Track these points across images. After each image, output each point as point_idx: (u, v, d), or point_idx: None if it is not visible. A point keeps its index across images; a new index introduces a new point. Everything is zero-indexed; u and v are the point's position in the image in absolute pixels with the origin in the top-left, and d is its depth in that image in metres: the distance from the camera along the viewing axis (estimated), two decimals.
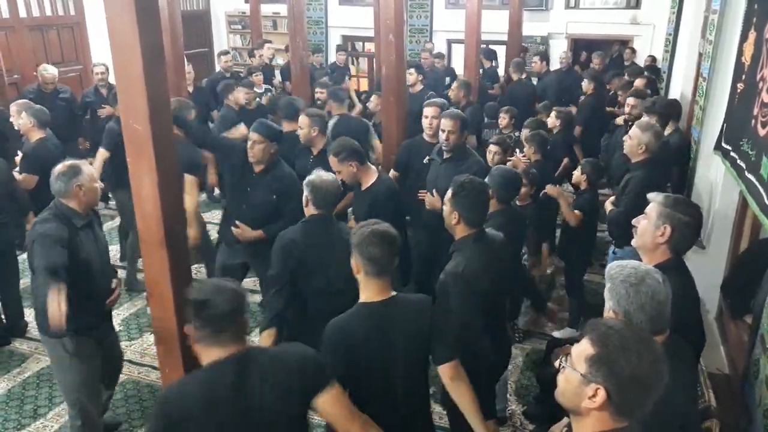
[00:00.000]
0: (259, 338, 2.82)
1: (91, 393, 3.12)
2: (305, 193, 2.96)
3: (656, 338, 1.80)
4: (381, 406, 2.20)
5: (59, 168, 2.97)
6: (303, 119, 4.29)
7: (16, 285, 4.54)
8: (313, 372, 1.93)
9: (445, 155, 3.99)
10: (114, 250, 5.82)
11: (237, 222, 3.78)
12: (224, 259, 4.10)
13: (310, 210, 2.97)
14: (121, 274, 5.31)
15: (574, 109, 6.66)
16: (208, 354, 1.82)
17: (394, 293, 2.26)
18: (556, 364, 1.55)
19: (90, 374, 3.07)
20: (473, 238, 2.71)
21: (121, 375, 4.01)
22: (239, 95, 5.87)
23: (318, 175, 2.98)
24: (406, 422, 2.27)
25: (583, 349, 1.46)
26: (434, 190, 3.87)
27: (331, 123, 5.07)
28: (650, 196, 2.44)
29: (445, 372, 2.28)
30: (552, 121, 5.61)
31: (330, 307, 2.55)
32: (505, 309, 3.08)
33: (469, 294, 2.54)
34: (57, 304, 2.42)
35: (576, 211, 4.17)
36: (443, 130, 3.87)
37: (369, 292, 2.23)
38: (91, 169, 3.05)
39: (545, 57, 8.30)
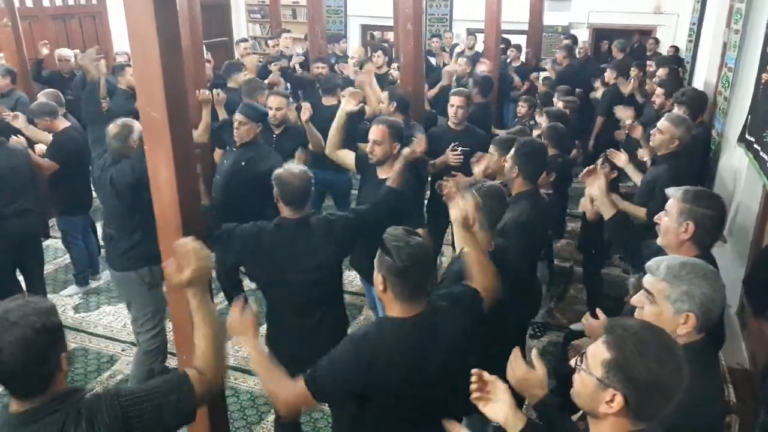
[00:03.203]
0: None
1: (163, 318, 3.57)
2: (274, 188, 2.78)
3: (699, 336, 1.78)
4: (483, 340, 2.33)
5: (113, 128, 3.45)
6: (280, 100, 4.41)
7: (40, 271, 4.61)
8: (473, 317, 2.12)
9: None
10: None
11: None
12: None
13: (281, 208, 2.78)
14: None
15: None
16: (401, 307, 1.95)
17: (495, 245, 2.57)
18: (572, 363, 1.52)
19: (161, 300, 3.52)
20: (530, 194, 3.08)
21: None
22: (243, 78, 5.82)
23: (287, 168, 2.80)
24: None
25: (599, 352, 1.41)
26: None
27: None
28: (669, 191, 2.35)
29: None
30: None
31: (291, 308, 2.75)
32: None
33: (527, 242, 2.80)
34: None
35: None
36: (372, 140, 3.49)
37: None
38: (138, 123, 3.34)
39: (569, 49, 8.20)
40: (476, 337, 2.16)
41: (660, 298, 1.77)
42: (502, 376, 2.68)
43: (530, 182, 3.12)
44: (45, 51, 6.61)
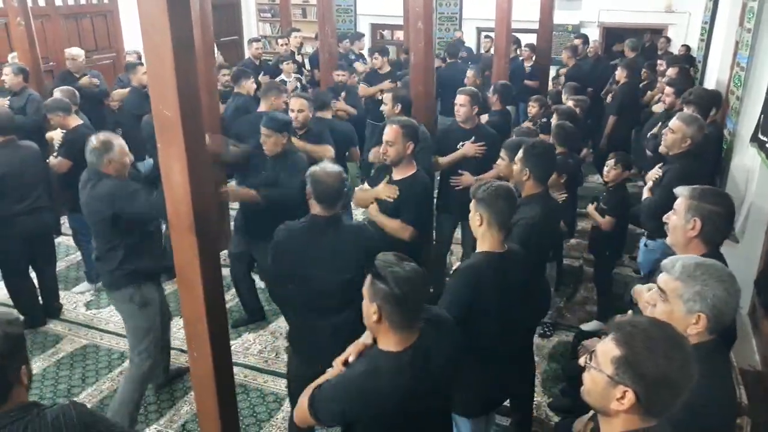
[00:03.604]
0: None
1: (157, 336, 3.46)
2: (307, 185, 2.81)
3: (711, 336, 1.77)
4: (491, 341, 2.45)
5: (93, 141, 3.24)
6: (302, 102, 4.43)
7: (52, 268, 4.66)
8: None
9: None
10: None
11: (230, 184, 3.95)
12: (233, 248, 4.40)
13: (313, 205, 2.79)
14: None
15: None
16: (394, 337, 1.86)
17: (507, 247, 2.54)
18: (581, 361, 1.52)
19: (154, 317, 3.42)
20: (541, 196, 3.09)
21: None
22: (251, 85, 5.73)
23: (322, 166, 2.82)
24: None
25: (609, 349, 1.42)
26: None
27: None
28: (677, 190, 2.37)
29: None
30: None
31: (315, 308, 2.72)
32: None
33: (536, 244, 2.84)
34: None
35: (608, 217, 4.14)
36: (385, 140, 3.46)
37: (488, 243, 2.51)
38: (122, 142, 3.32)
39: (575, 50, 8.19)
40: (460, 359, 2.14)
41: (673, 296, 1.77)
42: (510, 376, 2.72)
43: (541, 184, 3.12)
44: None
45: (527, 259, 2.64)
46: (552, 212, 3.20)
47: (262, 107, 4.75)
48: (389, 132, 3.34)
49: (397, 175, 3.41)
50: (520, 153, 3.12)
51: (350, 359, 1.96)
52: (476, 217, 2.51)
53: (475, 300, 2.39)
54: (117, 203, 3.15)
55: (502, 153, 3.62)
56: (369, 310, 1.87)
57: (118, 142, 3.30)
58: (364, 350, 1.98)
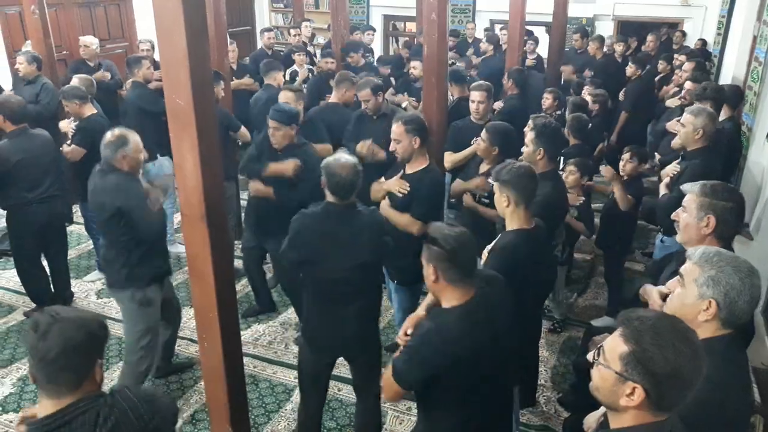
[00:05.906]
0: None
1: (155, 337, 3.46)
2: (322, 175, 2.80)
3: (727, 330, 1.76)
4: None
5: (108, 136, 3.26)
6: (290, 95, 4.39)
7: (64, 256, 4.68)
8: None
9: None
10: None
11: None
12: (245, 242, 4.39)
13: (327, 195, 2.80)
14: None
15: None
16: (454, 292, 2.09)
17: (535, 222, 2.70)
18: (589, 357, 1.51)
19: (155, 318, 3.43)
20: (551, 174, 3.31)
21: None
22: (281, 77, 5.70)
23: (336, 158, 2.80)
24: None
25: (616, 345, 1.41)
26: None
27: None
28: (684, 187, 2.35)
29: None
30: (590, 105, 5.46)
31: (330, 295, 2.76)
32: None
33: (548, 225, 2.93)
34: None
35: (629, 196, 4.09)
36: (393, 138, 3.45)
37: (518, 221, 2.66)
38: (137, 138, 3.31)
39: (586, 34, 8.08)
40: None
41: (689, 281, 1.77)
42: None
43: (552, 162, 3.34)
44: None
45: (550, 232, 2.84)
46: (563, 189, 3.49)
47: (334, 98, 4.69)
48: (394, 130, 3.37)
49: (409, 169, 3.42)
50: (532, 134, 3.32)
51: (409, 331, 2.19)
52: (503, 199, 2.64)
53: (513, 275, 2.46)
54: (122, 198, 3.14)
55: (483, 135, 3.65)
56: (428, 272, 2.10)
57: (134, 137, 3.28)
58: (422, 318, 2.21)
